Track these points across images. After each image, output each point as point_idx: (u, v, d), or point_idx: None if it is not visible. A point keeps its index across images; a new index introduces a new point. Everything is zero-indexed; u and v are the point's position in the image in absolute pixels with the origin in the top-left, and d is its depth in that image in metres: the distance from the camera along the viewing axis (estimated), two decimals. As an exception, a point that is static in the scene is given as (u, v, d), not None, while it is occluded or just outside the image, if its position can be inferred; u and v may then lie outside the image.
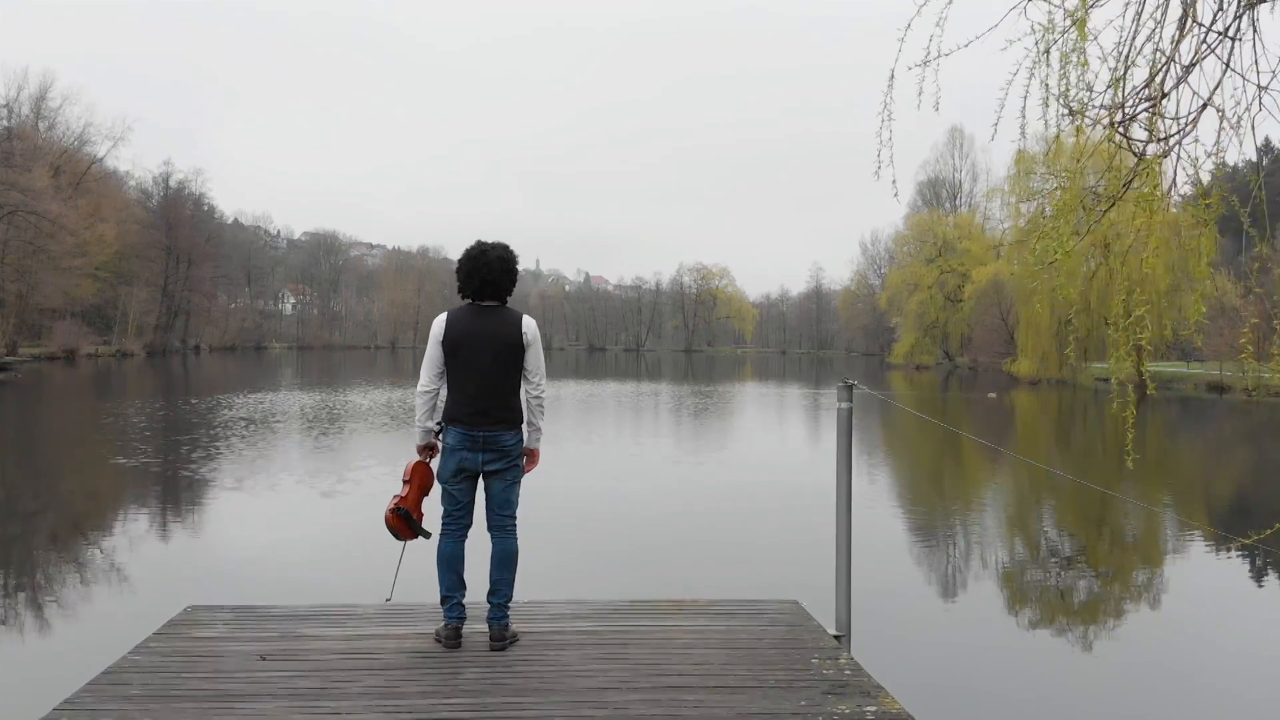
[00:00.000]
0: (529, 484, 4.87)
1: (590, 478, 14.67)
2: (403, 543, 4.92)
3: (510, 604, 4.67)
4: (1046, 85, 3.06)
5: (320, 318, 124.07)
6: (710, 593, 6.20)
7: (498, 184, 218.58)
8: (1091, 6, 3.08)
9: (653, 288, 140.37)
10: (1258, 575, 9.50)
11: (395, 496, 4.83)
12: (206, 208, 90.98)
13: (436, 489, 4.78)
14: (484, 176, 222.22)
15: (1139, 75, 3.04)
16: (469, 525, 4.72)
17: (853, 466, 5.21)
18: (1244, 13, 2.81)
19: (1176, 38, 2.86)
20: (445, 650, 4.53)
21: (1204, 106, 2.82)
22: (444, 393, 4.70)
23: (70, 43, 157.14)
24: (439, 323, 4.66)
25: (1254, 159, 3.52)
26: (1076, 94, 2.96)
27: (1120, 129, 2.99)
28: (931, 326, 75.63)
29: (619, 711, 3.80)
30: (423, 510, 4.85)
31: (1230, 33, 2.76)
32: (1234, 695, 6.21)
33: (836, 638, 4.96)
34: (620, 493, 13.51)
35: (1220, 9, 2.84)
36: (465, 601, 4.67)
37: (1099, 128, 3.07)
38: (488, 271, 4.62)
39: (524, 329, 4.66)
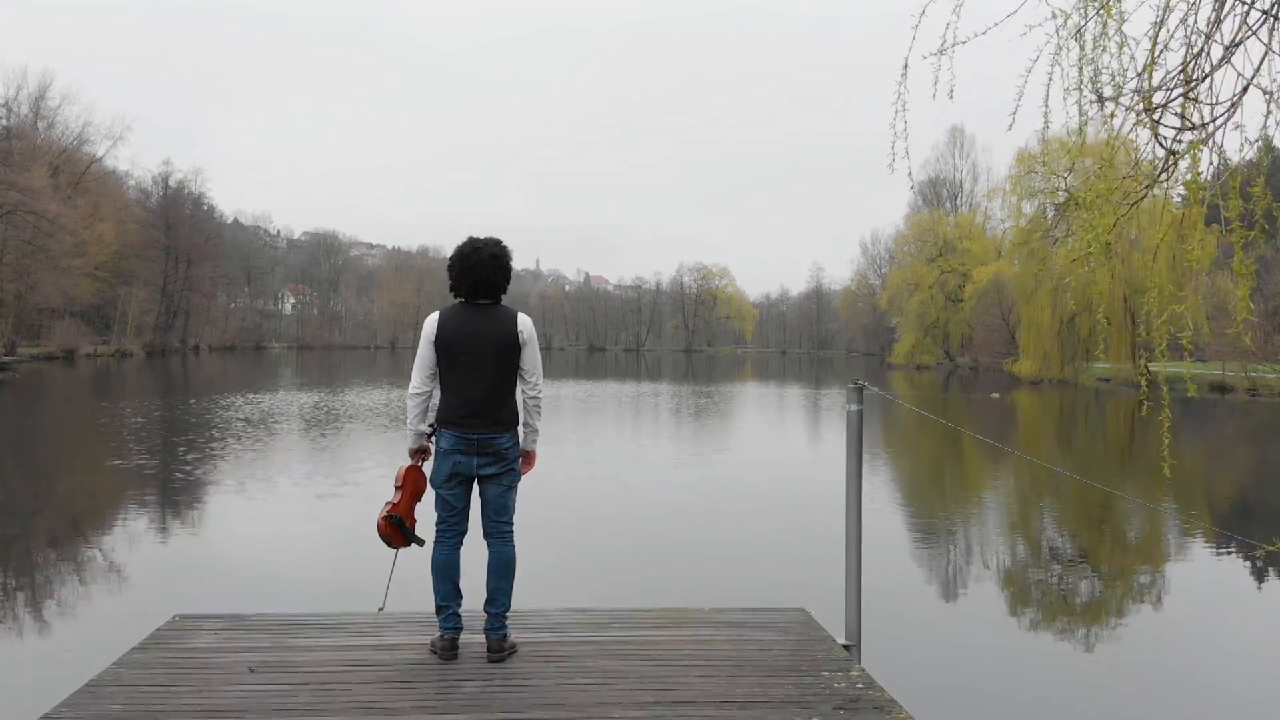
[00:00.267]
0: (528, 485, 4.70)
1: (590, 479, 14.51)
2: (396, 550, 4.75)
3: (508, 613, 4.51)
4: (1079, 69, 2.89)
5: (320, 318, 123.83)
6: (713, 595, 6.05)
7: (498, 184, 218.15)
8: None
9: (652, 288, 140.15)
10: (1259, 575, 9.40)
11: (387, 503, 4.65)
12: (206, 207, 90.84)
13: (430, 495, 4.62)
14: (484, 176, 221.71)
15: (1172, 60, 2.89)
16: (464, 531, 4.54)
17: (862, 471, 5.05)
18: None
19: (1214, 18, 2.70)
20: (441, 662, 4.36)
21: (1245, 89, 2.66)
22: (438, 395, 4.53)
23: (70, 42, 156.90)
24: (430, 322, 4.48)
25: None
26: (1110, 78, 2.80)
27: (1153, 115, 2.83)
28: (932, 326, 75.50)
29: (623, 728, 3.64)
30: (415, 516, 4.68)
31: (1275, 11, 2.60)
32: (1236, 695, 6.16)
33: (846, 648, 4.80)
34: (621, 494, 13.35)
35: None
36: (462, 611, 4.50)
37: (1130, 114, 2.92)
38: (480, 269, 4.44)
39: (520, 327, 4.49)
